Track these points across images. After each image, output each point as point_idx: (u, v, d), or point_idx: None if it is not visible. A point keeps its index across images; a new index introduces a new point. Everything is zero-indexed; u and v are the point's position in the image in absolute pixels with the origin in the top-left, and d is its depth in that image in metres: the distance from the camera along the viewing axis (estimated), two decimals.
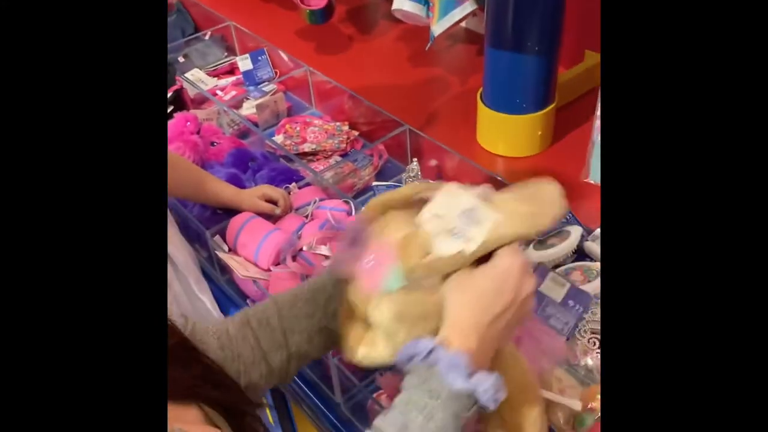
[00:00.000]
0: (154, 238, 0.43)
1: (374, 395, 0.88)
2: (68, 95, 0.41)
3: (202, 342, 0.64)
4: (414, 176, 1.23)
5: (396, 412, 0.53)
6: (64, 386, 0.38)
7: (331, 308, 0.67)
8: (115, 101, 0.42)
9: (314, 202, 1.15)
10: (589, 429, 0.72)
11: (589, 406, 0.72)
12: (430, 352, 0.52)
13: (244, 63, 1.61)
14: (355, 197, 1.24)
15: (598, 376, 0.78)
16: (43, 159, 0.39)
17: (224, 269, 1.11)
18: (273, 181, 1.22)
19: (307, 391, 1.00)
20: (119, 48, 0.43)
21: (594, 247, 1.03)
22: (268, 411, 1.37)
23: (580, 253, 1.03)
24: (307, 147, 1.40)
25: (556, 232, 1.03)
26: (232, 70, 1.70)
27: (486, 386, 0.51)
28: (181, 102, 1.49)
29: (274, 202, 1.14)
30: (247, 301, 1.09)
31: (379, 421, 0.53)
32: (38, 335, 0.38)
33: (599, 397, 0.72)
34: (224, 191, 1.14)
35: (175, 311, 0.70)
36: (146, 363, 0.40)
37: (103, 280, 0.40)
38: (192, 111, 1.43)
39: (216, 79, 1.65)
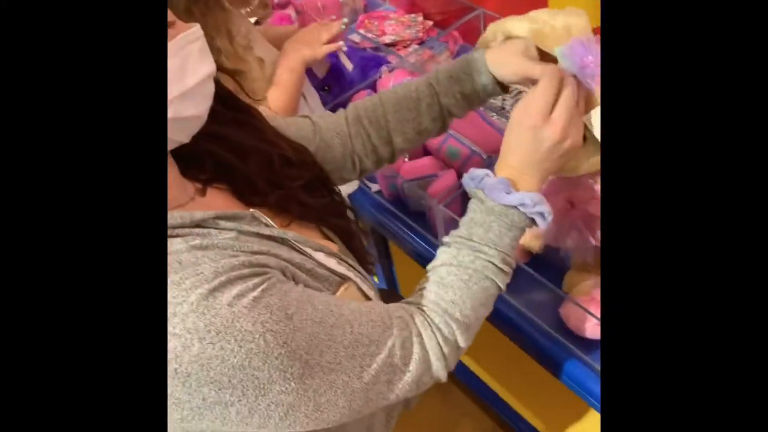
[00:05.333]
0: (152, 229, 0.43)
1: None
2: (67, 89, 0.40)
3: (328, 144, 0.74)
4: None
5: (462, 227, 0.64)
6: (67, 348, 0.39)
7: (430, 113, 0.76)
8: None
9: None
10: None
11: None
12: (482, 179, 0.63)
13: None
14: None
15: None
16: (38, 144, 0.39)
17: None
18: (365, 68, 1.38)
19: (409, 232, 1.12)
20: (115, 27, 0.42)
21: None
22: None
23: None
24: (387, 39, 1.55)
25: None
26: None
27: (525, 201, 0.60)
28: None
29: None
30: None
31: (447, 237, 0.65)
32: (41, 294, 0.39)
33: None
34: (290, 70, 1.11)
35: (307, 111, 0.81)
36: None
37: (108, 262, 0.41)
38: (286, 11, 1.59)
39: None
